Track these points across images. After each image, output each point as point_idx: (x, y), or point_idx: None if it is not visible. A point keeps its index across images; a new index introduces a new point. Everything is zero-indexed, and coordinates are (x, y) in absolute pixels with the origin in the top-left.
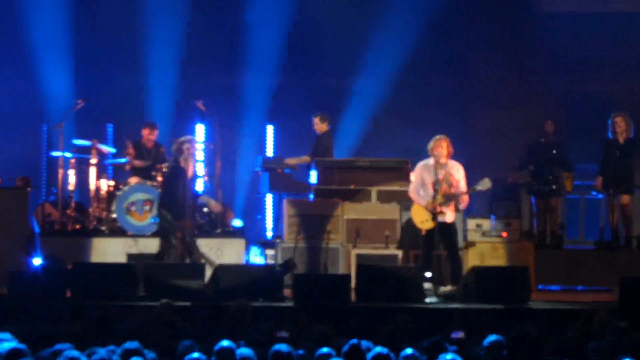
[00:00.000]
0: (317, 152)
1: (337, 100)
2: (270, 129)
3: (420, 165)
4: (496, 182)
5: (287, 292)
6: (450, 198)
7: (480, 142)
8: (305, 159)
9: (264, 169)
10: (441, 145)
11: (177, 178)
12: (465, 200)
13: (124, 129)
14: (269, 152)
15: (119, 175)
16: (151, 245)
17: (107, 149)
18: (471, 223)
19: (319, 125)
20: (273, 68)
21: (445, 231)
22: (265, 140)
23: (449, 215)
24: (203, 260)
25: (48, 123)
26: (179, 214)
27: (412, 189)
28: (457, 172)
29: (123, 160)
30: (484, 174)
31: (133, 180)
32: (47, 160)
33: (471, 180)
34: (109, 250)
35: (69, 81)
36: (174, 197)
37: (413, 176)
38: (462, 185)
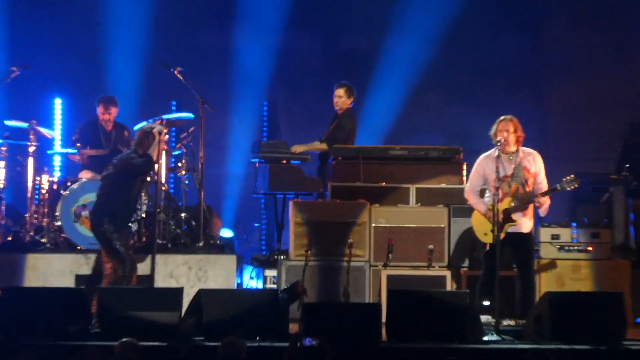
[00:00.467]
0: (336, 136)
1: (363, 68)
2: (271, 107)
3: (481, 157)
4: (579, 178)
5: (293, 327)
6: (525, 200)
7: (557, 123)
8: (320, 145)
9: (263, 159)
10: (507, 129)
11: (133, 177)
12: (545, 203)
13: (77, 105)
14: (270, 136)
15: (66, 168)
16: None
17: (51, 133)
18: (545, 234)
19: (343, 100)
20: (276, 25)
21: (519, 245)
22: (265, 121)
23: (525, 224)
24: None
25: None
26: (125, 223)
27: (469, 189)
28: (534, 164)
29: (73, 151)
30: (561, 167)
31: (85, 175)
32: None
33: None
34: (51, 271)
35: (3, 44)
36: (127, 201)
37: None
38: (541, 180)
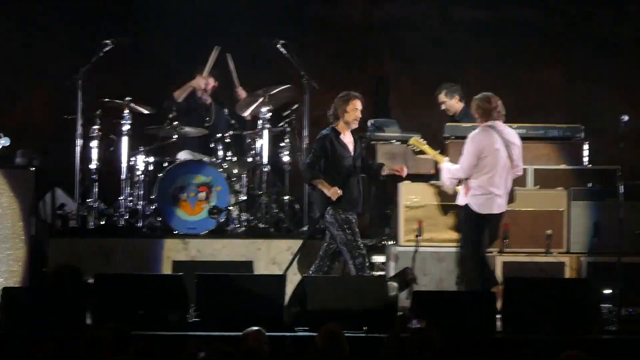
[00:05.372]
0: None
1: (475, 38)
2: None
3: None
4: None
5: None
6: None
7: None
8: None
9: (372, 139)
10: None
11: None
12: None
13: None
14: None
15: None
16: (207, 249)
17: (148, 109)
18: None
19: (449, 105)
20: None
21: None
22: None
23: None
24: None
25: None
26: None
27: None
28: None
29: (170, 129)
30: None
31: (183, 155)
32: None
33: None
34: (146, 256)
35: None
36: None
37: None
38: None
